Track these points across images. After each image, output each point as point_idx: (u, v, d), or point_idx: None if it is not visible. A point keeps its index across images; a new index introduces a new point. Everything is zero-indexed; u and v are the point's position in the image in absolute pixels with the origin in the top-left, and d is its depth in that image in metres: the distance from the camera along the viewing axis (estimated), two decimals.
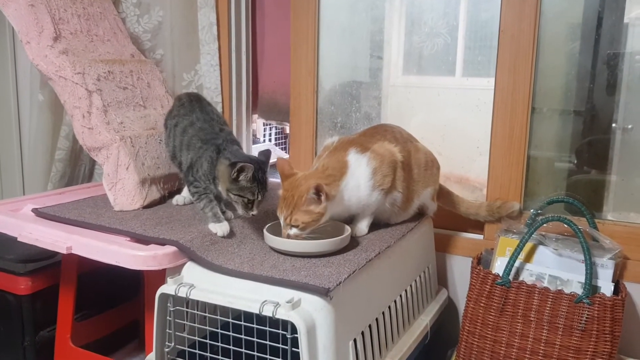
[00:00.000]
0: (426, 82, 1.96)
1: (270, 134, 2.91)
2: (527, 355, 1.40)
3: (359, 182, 1.41)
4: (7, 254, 1.70)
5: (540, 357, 1.38)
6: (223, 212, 1.43)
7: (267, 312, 1.07)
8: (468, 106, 1.85)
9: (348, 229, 1.37)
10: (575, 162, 1.74)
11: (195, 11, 2.01)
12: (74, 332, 1.63)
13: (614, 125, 1.68)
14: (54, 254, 1.67)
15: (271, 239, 1.30)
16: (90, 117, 1.59)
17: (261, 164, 1.38)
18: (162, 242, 1.32)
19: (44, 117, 2.13)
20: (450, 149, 1.86)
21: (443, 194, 1.73)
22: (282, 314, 1.06)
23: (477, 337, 1.46)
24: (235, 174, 1.32)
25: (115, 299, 1.87)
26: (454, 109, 1.88)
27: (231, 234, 1.39)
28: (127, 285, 1.85)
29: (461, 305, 1.78)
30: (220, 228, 1.38)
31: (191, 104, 1.59)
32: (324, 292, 1.09)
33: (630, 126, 1.66)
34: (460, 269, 1.79)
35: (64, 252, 1.35)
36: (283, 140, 2.98)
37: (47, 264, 1.70)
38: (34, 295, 1.68)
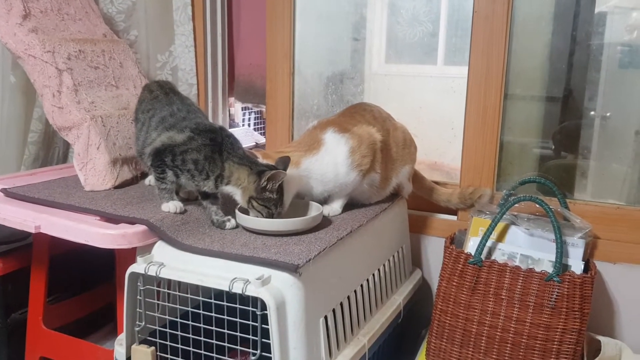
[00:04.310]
0: (408, 71, 1.96)
1: (249, 119, 2.89)
2: (498, 333, 1.41)
3: (337, 159, 1.42)
4: None
5: (511, 335, 1.40)
6: (222, 222, 1.34)
7: (237, 289, 1.07)
8: (448, 92, 1.85)
9: (320, 208, 1.37)
10: (552, 148, 1.76)
11: None
12: (46, 314, 1.62)
13: (592, 113, 1.69)
14: (26, 236, 1.66)
15: (243, 218, 1.30)
16: (60, 96, 1.57)
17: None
18: (132, 221, 1.31)
19: (16, 99, 2.08)
20: (426, 133, 1.87)
21: (417, 179, 1.74)
22: (251, 291, 1.06)
23: (450, 316, 1.47)
24: (264, 183, 1.26)
25: (89, 282, 1.86)
26: (434, 95, 1.89)
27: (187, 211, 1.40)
28: (101, 269, 1.83)
29: (435, 285, 1.78)
30: (174, 205, 1.38)
31: (167, 96, 1.49)
32: (293, 269, 1.09)
33: (608, 114, 1.68)
34: (434, 249, 1.80)
35: (33, 231, 1.33)
36: (262, 125, 2.96)
37: (18, 246, 1.68)
38: (5, 277, 1.66)
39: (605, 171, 1.70)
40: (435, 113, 1.89)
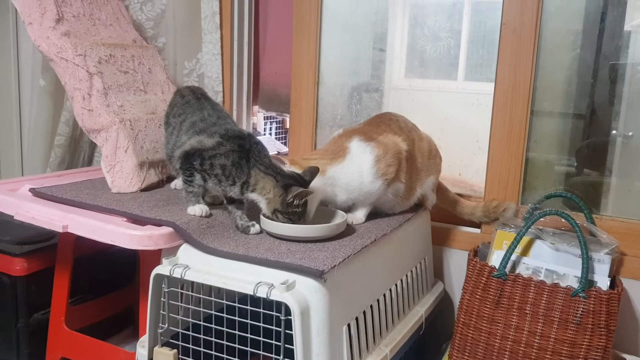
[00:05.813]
0: (428, 86, 1.95)
1: (270, 128, 2.91)
2: (521, 348, 1.39)
3: (362, 168, 1.42)
4: (3, 236, 1.70)
5: (534, 350, 1.38)
6: (247, 227, 1.35)
7: (262, 293, 1.07)
8: (473, 105, 1.85)
9: (344, 216, 1.37)
10: (575, 164, 1.74)
11: (199, 0, 2.01)
12: (68, 315, 1.63)
13: (614, 132, 1.68)
14: (51, 236, 1.68)
15: (268, 224, 1.30)
16: (90, 99, 1.59)
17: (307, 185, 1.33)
18: (158, 223, 1.32)
19: (44, 102, 2.12)
20: (450, 145, 1.86)
21: (441, 191, 1.73)
22: (276, 295, 1.06)
23: (472, 329, 1.45)
24: (291, 199, 1.27)
25: (111, 284, 1.87)
26: (458, 108, 1.89)
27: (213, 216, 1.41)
28: (123, 272, 1.85)
29: (457, 298, 1.77)
30: (200, 209, 1.38)
31: (199, 101, 1.51)
32: (318, 275, 1.09)
33: (630, 133, 1.66)
34: (457, 262, 1.79)
35: (60, 230, 1.34)
36: (283, 135, 2.98)
37: (43, 246, 1.70)
38: (29, 277, 1.67)
39: (629, 189, 1.68)
40: (459, 126, 1.89)
